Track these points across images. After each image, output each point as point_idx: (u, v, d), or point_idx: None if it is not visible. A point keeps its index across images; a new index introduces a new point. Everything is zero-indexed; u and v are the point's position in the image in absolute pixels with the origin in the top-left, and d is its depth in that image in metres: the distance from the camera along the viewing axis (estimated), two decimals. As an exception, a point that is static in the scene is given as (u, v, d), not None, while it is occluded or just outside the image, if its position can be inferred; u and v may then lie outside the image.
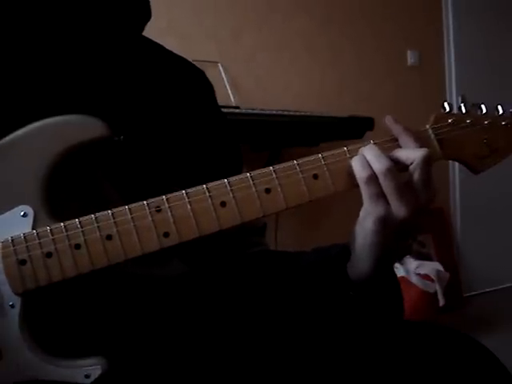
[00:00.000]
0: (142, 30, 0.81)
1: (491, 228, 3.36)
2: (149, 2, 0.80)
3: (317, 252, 0.75)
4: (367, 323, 0.72)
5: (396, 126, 0.66)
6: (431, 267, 2.55)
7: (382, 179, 0.62)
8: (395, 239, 0.66)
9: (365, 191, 0.63)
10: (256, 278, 0.78)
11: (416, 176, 0.63)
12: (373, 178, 0.62)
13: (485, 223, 3.35)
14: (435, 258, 3.00)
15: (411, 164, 0.63)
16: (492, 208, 3.36)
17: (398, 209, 0.63)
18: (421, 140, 0.65)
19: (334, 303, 0.70)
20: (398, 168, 0.63)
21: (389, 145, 0.66)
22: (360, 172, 0.63)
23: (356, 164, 0.64)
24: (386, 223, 0.63)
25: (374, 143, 0.65)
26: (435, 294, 2.47)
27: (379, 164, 0.62)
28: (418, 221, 0.66)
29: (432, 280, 2.48)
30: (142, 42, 0.82)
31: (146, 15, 0.80)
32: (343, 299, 0.70)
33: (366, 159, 0.63)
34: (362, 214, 0.66)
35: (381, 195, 0.63)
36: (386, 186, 0.62)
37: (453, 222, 3.34)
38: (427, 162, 0.63)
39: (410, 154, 0.64)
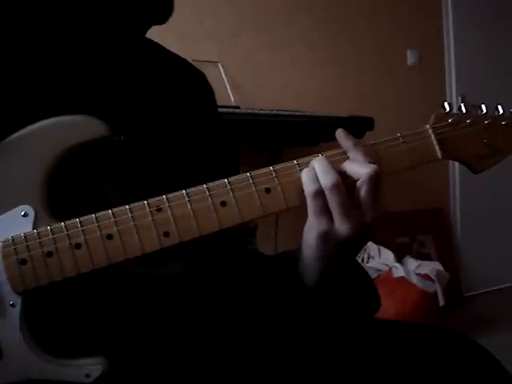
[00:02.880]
0: (145, 31, 0.80)
1: (491, 228, 3.36)
2: (160, 5, 0.77)
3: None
4: (364, 325, 0.72)
5: (346, 142, 0.65)
6: (431, 267, 2.55)
7: (327, 194, 0.61)
8: (338, 254, 0.65)
9: (310, 205, 0.62)
10: (248, 277, 0.78)
11: (362, 193, 0.62)
12: (319, 192, 0.61)
13: (485, 223, 3.35)
14: (435, 257, 3.01)
15: (358, 180, 0.62)
16: (492, 208, 3.36)
17: (341, 225, 0.62)
18: (370, 155, 0.64)
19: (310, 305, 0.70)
20: (346, 183, 0.62)
21: (339, 157, 0.64)
22: (307, 186, 0.62)
23: (304, 177, 0.62)
24: (327, 239, 0.63)
25: (324, 156, 0.64)
26: (435, 293, 2.47)
27: (326, 179, 0.61)
28: (364, 237, 0.65)
29: (432, 280, 2.48)
30: (143, 43, 0.82)
31: (156, 16, 0.78)
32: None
33: (315, 173, 0.62)
34: (306, 226, 0.65)
35: (325, 211, 0.62)
36: (331, 201, 0.61)
37: (453, 222, 3.34)
38: (374, 179, 0.61)
39: (358, 169, 0.62)
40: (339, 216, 0.61)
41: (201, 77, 0.87)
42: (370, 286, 0.73)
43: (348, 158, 0.64)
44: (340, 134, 0.65)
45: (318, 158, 0.63)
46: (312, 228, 0.64)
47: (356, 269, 0.72)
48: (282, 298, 0.71)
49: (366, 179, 0.61)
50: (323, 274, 0.67)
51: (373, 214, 0.62)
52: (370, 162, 0.63)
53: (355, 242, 0.65)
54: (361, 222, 0.62)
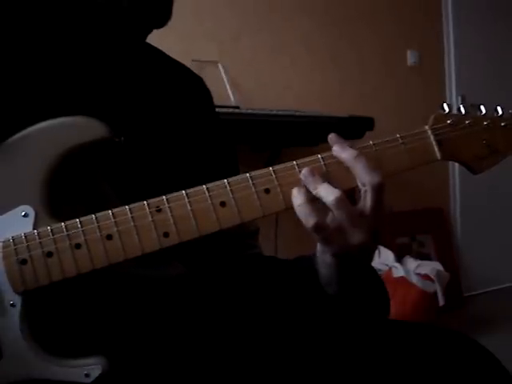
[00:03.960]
0: (146, 36, 0.81)
1: (491, 228, 3.36)
2: (159, 10, 0.76)
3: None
4: (365, 325, 0.72)
5: (345, 154, 0.63)
6: (431, 267, 2.55)
7: (334, 211, 0.61)
8: (357, 261, 0.66)
9: (315, 237, 0.62)
10: (253, 280, 0.78)
11: (368, 201, 0.62)
12: (319, 225, 0.61)
13: (485, 223, 3.35)
14: (435, 258, 3.01)
15: (363, 186, 0.62)
16: (492, 208, 3.36)
17: (353, 237, 0.62)
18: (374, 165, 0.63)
19: (326, 307, 0.70)
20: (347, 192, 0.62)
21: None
22: (306, 222, 0.61)
23: (301, 212, 0.61)
24: (344, 254, 0.63)
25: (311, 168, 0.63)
26: (435, 293, 2.47)
27: (329, 196, 0.61)
28: (376, 241, 0.65)
29: (432, 280, 2.48)
30: (143, 48, 0.82)
31: (155, 21, 0.78)
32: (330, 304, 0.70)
33: (310, 207, 0.61)
34: (318, 250, 0.66)
35: (331, 235, 0.62)
36: (339, 215, 0.61)
37: (453, 222, 3.34)
38: (380, 188, 0.61)
39: (365, 175, 0.62)
40: (350, 228, 0.62)
41: (199, 81, 0.88)
42: (383, 291, 0.74)
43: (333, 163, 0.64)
44: (337, 149, 0.64)
45: (314, 179, 0.62)
46: (326, 251, 0.64)
47: (371, 275, 0.73)
48: (301, 301, 0.71)
49: (373, 188, 0.61)
50: (343, 286, 0.67)
51: (379, 218, 0.63)
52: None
53: (369, 248, 0.65)
54: (370, 227, 0.62)
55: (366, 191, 0.62)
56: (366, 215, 0.62)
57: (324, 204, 0.62)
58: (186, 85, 0.85)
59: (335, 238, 0.62)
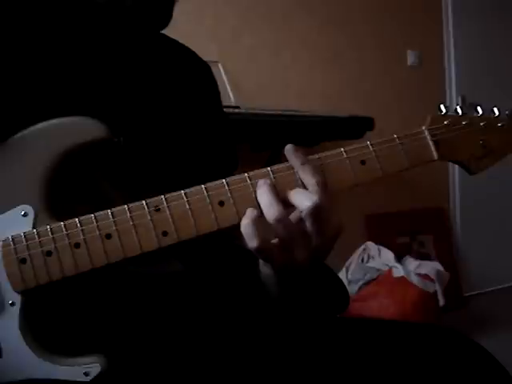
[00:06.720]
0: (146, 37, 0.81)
1: (491, 228, 3.36)
2: (161, 11, 0.76)
3: None
4: (364, 325, 0.72)
5: (294, 161, 0.62)
6: (431, 267, 2.55)
7: (275, 226, 0.60)
8: (297, 274, 0.65)
9: (257, 255, 0.61)
10: (250, 278, 0.78)
11: (308, 224, 0.60)
12: (262, 247, 0.59)
13: (485, 223, 3.35)
14: (435, 258, 3.00)
15: (302, 211, 0.60)
16: (492, 208, 3.36)
17: (296, 255, 0.61)
18: (318, 173, 0.62)
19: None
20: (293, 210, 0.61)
21: (289, 172, 0.63)
22: (250, 242, 0.60)
23: (247, 232, 0.60)
24: (284, 269, 0.62)
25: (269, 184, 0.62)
26: (435, 293, 2.47)
27: (269, 212, 0.60)
28: (321, 256, 0.64)
29: (432, 280, 2.48)
30: (145, 38, 0.81)
31: (156, 22, 0.78)
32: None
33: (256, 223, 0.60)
34: (260, 261, 0.64)
35: (273, 254, 0.61)
36: (279, 233, 0.60)
37: (453, 222, 3.34)
38: (315, 213, 0.59)
39: (300, 201, 0.60)
40: (289, 246, 0.60)
41: (205, 69, 0.88)
42: (336, 284, 0.74)
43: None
44: (289, 150, 0.63)
45: (260, 191, 0.61)
46: (266, 265, 0.63)
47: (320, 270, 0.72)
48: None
49: (307, 214, 0.59)
50: (283, 287, 0.67)
51: (323, 239, 0.61)
52: (316, 183, 0.61)
53: (311, 262, 0.63)
54: (312, 247, 0.61)
55: (304, 216, 0.60)
56: (307, 235, 0.61)
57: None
58: (191, 75, 0.84)
59: (277, 255, 0.61)
